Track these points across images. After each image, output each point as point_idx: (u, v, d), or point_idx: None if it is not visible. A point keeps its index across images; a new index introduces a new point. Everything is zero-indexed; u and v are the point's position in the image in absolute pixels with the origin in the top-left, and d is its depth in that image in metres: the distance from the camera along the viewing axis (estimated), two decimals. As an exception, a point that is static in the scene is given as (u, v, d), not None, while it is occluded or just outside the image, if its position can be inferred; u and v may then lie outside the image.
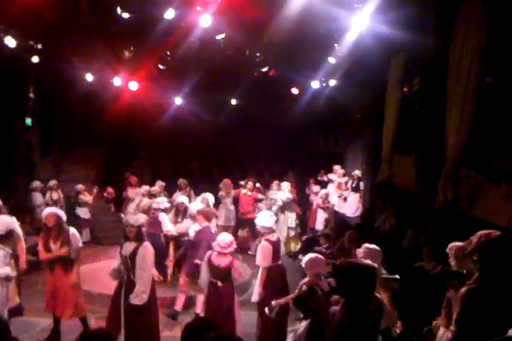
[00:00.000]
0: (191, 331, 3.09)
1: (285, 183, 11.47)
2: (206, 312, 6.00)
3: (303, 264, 5.12)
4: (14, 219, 6.22)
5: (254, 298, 6.23)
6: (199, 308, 6.86)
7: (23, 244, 6.17)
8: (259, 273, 6.27)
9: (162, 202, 8.46)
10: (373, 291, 3.15)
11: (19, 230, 6.19)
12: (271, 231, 6.37)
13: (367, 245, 5.19)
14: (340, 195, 11.86)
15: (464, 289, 3.33)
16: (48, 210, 6.38)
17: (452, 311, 3.54)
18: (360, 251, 5.15)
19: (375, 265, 4.50)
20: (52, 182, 11.11)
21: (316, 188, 12.35)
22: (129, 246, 5.66)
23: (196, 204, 8.13)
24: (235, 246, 6.06)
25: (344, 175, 12.14)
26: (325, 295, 4.74)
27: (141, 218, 6.29)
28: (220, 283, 5.87)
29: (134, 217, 6.25)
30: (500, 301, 3.19)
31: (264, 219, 6.39)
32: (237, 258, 9.92)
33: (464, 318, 3.24)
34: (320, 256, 5.22)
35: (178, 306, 7.17)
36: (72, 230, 6.23)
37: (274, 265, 6.20)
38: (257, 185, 11.58)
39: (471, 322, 3.21)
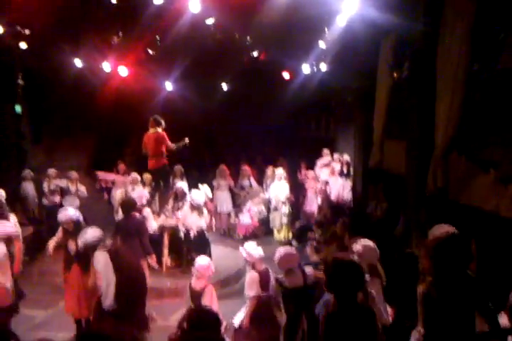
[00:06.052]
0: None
1: (280, 171, 11.24)
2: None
3: (275, 260, 5.10)
4: (14, 217, 6.09)
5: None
6: None
7: (21, 244, 5.90)
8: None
9: (140, 197, 8.17)
10: (361, 286, 3.22)
11: (19, 229, 5.99)
12: (259, 259, 5.56)
13: (365, 243, 5.07)
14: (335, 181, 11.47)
15: (419, 291, 3.33)
16: (63, 215, 5.98)
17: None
18: (358, 249, 4.99)
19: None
20: (51, 171, 10.78)
21: (311, 173, 11.76)
22: None
23: (198, 193, 8.09)
24: (213, 269, 5.52)
25: (339, 160, 11.81)
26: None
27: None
28: None
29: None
30: (454, 300, 3.20)
31: (251, 248, 5.61)
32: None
33: (427, 319, 3.27)
34: (291, 251, 5.18)
35: None
36: None
37: (264, 296, 5.37)
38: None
39: (435, 322, 3.22)
